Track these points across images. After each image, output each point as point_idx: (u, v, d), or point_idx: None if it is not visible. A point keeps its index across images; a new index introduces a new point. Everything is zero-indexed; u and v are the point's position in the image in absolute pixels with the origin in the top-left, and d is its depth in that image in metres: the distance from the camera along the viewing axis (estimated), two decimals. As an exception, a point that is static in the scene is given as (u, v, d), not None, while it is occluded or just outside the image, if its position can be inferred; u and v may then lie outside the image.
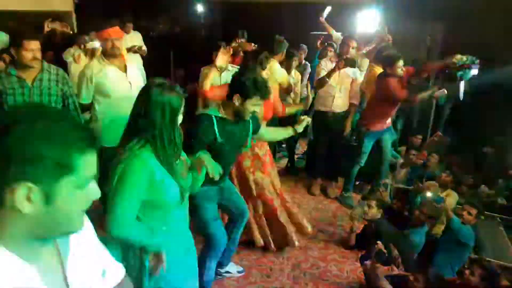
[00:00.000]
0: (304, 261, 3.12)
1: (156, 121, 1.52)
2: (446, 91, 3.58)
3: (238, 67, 4.03)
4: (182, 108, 1.62)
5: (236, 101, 2.19)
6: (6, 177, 0.67)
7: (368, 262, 2.68)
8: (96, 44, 3.50)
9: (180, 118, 1.63)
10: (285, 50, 3.96)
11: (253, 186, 2.94)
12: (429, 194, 3.28)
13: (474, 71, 3.40)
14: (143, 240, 1.55)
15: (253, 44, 4.20)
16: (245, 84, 2.17)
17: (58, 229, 0.78)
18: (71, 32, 5.62)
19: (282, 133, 2.78)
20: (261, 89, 2.17)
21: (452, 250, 2.84)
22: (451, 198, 3.53)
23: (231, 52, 3.71)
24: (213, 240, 2.40)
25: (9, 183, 0.67)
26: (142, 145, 1.53)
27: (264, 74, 3.09)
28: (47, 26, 5.15)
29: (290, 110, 3.54)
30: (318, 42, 5.59)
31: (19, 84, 2.54)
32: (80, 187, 0.75)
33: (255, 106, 2.21)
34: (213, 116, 2.20)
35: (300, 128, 2.63)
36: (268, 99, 2.27)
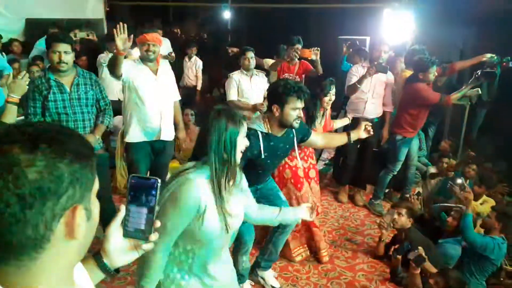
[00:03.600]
0: (331, 270, 3.05)
1: (212, 147, 1.46)
2: (480, 91, 3.43)
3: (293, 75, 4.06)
4: (243, 135, 1.53)
5: (276, 111, 2.17)
6: (57, 205, 0.59)
7: (399, 257, 2.74)
8: (135, 54, 3.54)
9: (241, 145, 1.53)
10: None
11: (293, 196, 2.93)
12: (459, 180, 3.16)
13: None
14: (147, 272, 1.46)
15: (315, 48, 4.13)
16: (277, 91, 2.16)
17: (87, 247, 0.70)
18: (97, 39, 5.86)
19: (336, 139, 2.71)
20: (294, 89, 2.13)
21: (474, 262, 2.73)
22: (488, 205, 3.37)
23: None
24: (240, 239, 2.45)
25: (62, 211, 0.60)
26: (199, 169, 1.48)
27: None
28: (75, 36, 5.35)
29: (337, 125, 3.52)
30: (344, 47, 5.54)
31: (59, 89, 2.60)
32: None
33: (295, 110, 2.16)
34: (258, 132, 2.19)
35: (355, 136, 2.54)
36: (303, 98, 2.18)
